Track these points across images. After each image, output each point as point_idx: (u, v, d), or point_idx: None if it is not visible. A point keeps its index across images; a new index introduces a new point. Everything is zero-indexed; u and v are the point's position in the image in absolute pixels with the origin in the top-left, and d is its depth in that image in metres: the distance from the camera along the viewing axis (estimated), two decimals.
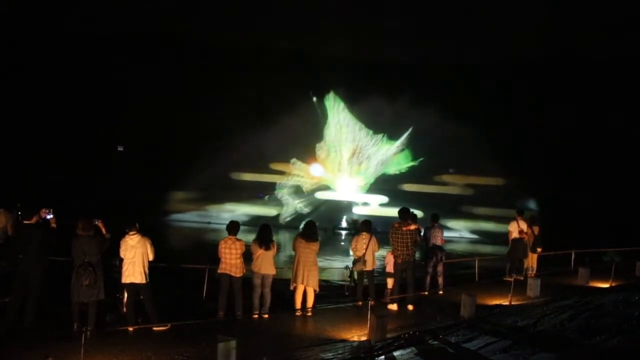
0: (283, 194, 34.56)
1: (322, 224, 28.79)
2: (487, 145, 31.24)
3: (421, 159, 33.50)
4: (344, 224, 33.38)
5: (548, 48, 31.80)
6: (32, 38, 31.12)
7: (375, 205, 33.27)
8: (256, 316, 8.64)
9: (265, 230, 9.01)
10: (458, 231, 29.22)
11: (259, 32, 34.21)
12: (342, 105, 35.22)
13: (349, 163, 35.56)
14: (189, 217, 30.05)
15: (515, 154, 32.73)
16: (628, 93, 32.86)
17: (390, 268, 10.18)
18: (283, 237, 21.51)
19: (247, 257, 8.83)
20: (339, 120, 34.95)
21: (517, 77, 34.27)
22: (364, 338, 7.74)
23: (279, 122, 32.14)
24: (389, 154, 34.88)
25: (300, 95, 33.72)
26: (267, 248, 8.79)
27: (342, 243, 26.16)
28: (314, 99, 34.76)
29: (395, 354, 7.05)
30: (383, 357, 6.92)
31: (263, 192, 35.89)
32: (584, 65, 33.64)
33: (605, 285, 12.65)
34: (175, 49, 34.42)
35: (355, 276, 10.29)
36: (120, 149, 35.38)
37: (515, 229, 13.03)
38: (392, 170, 34.41)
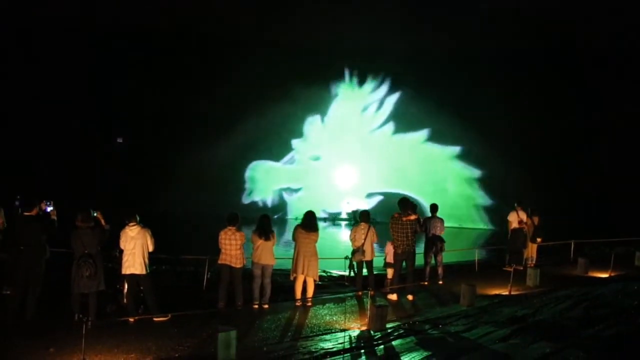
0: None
1: (321, 215, 28.91)
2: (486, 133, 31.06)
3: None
4: (343, 214, 33.47)
5: (547, 40, 31.51)
6: (30, 31, 31.00)
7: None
8: (256, 306, 8.66)
9: (264, 220, 9.03)
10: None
11: (257, 22, 33.94)
12: (341, 95, 35.14)
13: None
14: (187, 210, 30.04)
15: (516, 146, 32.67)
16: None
17: (390, 258, 10.21)
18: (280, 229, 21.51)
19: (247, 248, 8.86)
20: (337, 111, 34.80)
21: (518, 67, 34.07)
22: (363, 328, 7.77)
23: (278, 112, 32.10)
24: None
25: (298, 86, 33.61)
26: (267, 238, 8.81)
27: (342, 233, 26.20)
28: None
29: (395, 343, 7.07)
30: (382, 346, 6.94)
31: None
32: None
33: (605, 275, 12.68)
34: (172, 40, 34.24)
35: (355, 266, 10.32)
36: (119, 140, 35.26)
37: (515, 219, 13.03)
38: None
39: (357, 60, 28.28)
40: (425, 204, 24.70)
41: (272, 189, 28.36)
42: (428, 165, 27.43)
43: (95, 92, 31.56)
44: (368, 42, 26.49)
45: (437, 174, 27.65)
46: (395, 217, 9.78)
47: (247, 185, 28.51)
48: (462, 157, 28.18)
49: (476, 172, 28.08)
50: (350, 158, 28.27)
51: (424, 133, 27.44)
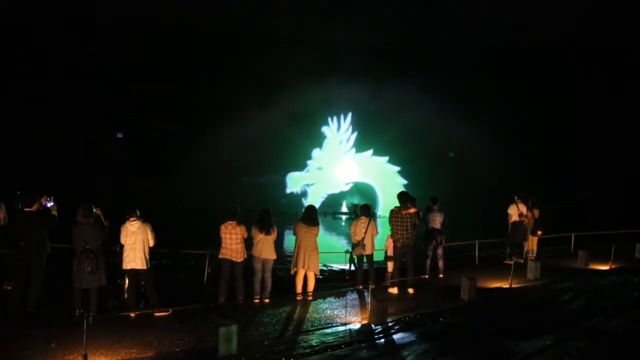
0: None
1: (322, 209, 29.19)
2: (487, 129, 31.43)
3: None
4: (344, 208, 33.57)
5: (548, 34, 31.60)
6: (28, 25, 30.96)
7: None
8: (257, 301, 8.66)
9: (265, 214, 8.99)
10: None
11: (259, 16, 34.09)
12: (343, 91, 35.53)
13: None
14: (188, 202, 30.08)
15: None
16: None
17: (390, 252, 10.21)
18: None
19: (248, 242, 8.86)
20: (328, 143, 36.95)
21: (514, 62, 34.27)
22: (364, 322, 7.78)
23: (279, 105, 32.12)
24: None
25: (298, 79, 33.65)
26: (268, 233, 8.78)
27: (342, 227, 26.26)
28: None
29: (396, 337, 7.10)
30: (383, 340, 6.97)
31: (265, 177, 36.05)
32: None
33: (605, 267, 12.69)
34: (177, 34, 34.22)
35: (355, 260, 10.32)
36: (119, 135, 35.27)
37: (515, 212, 13.01)
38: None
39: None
40: (375, 187, 36.13)
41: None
42: (373, 167, 37.15)
43: (95, 88, 31.57)
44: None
45: (377, 171, 36.76)
46: (395, 210, 9.78)
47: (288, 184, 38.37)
48: (390, 162, 36.96)
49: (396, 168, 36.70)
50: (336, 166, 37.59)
51: (370, 151, 36.71)
